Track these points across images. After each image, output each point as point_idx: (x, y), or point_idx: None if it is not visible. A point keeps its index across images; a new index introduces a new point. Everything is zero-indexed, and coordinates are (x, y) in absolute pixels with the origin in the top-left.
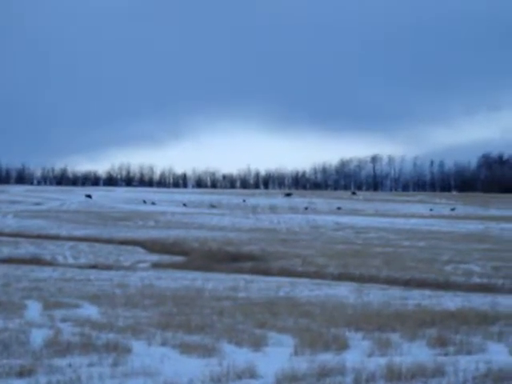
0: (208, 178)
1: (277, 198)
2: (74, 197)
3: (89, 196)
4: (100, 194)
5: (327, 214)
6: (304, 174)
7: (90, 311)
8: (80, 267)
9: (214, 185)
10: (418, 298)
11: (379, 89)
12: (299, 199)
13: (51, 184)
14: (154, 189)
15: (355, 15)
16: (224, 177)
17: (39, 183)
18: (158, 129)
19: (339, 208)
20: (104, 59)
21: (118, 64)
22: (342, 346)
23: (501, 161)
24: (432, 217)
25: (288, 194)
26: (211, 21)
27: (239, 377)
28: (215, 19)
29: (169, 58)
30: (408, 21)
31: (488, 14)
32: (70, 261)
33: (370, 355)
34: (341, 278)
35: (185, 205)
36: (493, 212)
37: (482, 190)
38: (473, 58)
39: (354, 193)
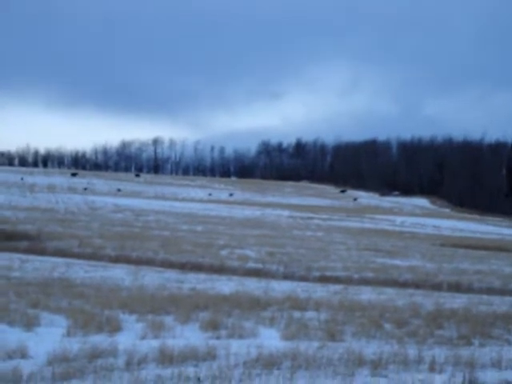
0: None
1: (56, 177)
2: None
3: None
4: None
5: (107, 195)
6: (84, 154)
7: None
8: None
9: None
10: (193, 282)
11: (162, 72)
12: (78, 180)
13: None
14: None
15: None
16: (2, 154)
17: None
18: None
19: (119, 190)
20: None
21: None
22: (116, 327)
23: (279, 148)
24: (210, 202)
25: (74, 174)
26: None
27: (10, 356)
28: None
29: None
30: (196, 8)
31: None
32: None
33: (143, 338)
34: (118, 260)
35: None
36: (269, 199)
37: (261, 177)
38: (255, 47)
39: (137, 175)
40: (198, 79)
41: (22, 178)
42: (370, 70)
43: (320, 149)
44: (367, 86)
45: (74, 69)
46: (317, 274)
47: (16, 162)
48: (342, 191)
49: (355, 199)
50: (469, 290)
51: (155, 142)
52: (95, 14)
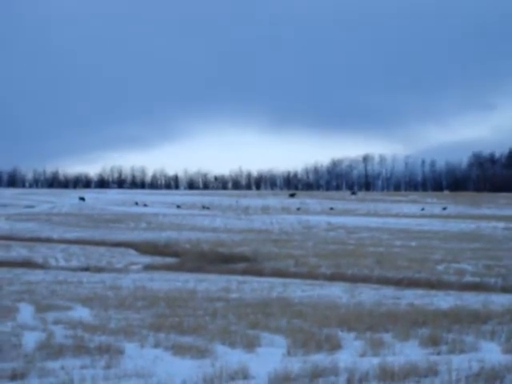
0: (200, 180)
1: (269, 199)
2: (66, 199)
3: (82, 198)
4: (92, 196)
5: (320, 214)
6: (296, 174)
7: (83, 313)
8: (72, 270)
9: (205, 186)
10: (410, 298)
11: (370, 88)
12: (291, 200)
13: (43, 187)
14: (146, 190)
15: (343, 15)
16: (216, 178)
17: (31, 186)
18: (149, 131)
19: (332, 208)
20: (95, 61)
21: (109, 65)
22: (335, 346)
23: (492, 160)
24: (424, 216)
25: (292, 195)
26: (202, 21)
27: (232, 378)
28: (207, 19)
29: (159, 59)
30: (398, 19)
31: (480, 13)
32: (62, 263)
33: (362, 355)
34: (333, 278)
35: (178, 206)
36: (484, 211)
37: (474, 189)
38: (466, 58)
39: (353, 193)
40: (407, 93)
41: (236, 201)
42: None
43: None
44: None
45: (284, 91)
46: None
47: (229, 185)
48: None
49: None
50: None
51: (365, 158)
52: (298, 36)
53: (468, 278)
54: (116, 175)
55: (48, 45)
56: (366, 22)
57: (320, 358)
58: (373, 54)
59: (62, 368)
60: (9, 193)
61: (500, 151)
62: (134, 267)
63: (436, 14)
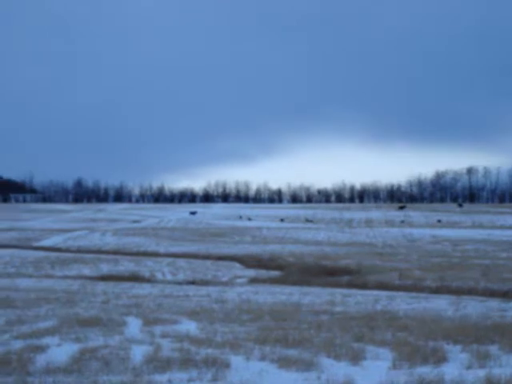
0: (303, 193)
1: (372, 212)
2: (172, 214)
3: (193, 213)
4: (198, 210)
5: (424, 227)
6: (399, 187)
7: (189, 327)
8: (178, 283)
9: (309, 199)
10: None
11: (474, 100)
12: (394, 213)
13: (149, 201)
14: (250, 204)
15: (446, 27)
16: (319, 191)
17: (137, 201)
18: (252, 145)
19: (439, 221)
20: (201, 80)
21: (213, 84)
22: (441, 358)
23: None
24: None
25: (401, 207)
26: (304, 39)
27: None
28: (307, 38)
29: (262, 74)
30: (502, 28)
31: None
32: (169, 277)
33: (468, 368)
34: (438, 290)
35: (282, 220)
36: None
37: None
38: None
39: (460, 205)
40: (509, 104)
41: (339, 214)
42: None
43: None
44: None
45: (386, 103)
46: None
47: (332, 198)
48: None
49: None
50: None
51: (469, 171)
52: (398, 48)
53: None
54: (220, 189)
55: (161, 58)
56: (468, 33)
57: (426, 371)
58: (476, 65)
59: (170, 381)
60: (116, 208)
61: None
62: (239, 280)
63: None
